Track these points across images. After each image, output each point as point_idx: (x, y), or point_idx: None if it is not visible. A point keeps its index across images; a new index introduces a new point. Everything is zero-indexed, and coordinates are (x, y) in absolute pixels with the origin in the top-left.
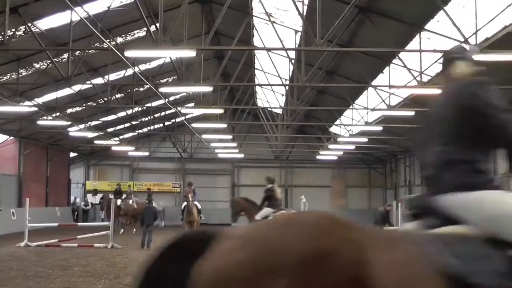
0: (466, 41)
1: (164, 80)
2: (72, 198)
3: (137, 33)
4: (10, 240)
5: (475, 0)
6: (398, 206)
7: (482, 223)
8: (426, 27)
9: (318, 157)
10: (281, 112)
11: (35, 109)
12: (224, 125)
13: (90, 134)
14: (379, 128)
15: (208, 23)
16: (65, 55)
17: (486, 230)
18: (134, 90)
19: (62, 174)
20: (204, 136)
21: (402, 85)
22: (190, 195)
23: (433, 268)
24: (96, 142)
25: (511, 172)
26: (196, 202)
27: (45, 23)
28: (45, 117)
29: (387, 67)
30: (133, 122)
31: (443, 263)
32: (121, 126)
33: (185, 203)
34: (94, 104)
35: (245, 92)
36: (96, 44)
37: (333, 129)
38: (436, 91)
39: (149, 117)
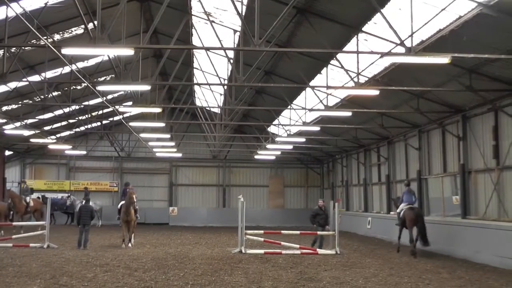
0: (402, 43)
1: (102, 79)
2: None
3: (75, 30)
4: None
5: (411, 3)
6: (335, 206)
7: None
8: (363, 28)
9: (256, 156)
10: (219, 112)
11: None
12: (162, 124)
13: (26, 132)
14: (316, 128)
15: (146, 21)
16: (0, 52)
17: None
18: (71, 88)
19: None
20: (142, 135)
21: (339, 86)
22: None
23: None
24: (32, 140)
25: (445, 172)
26: None
27: None
28: None
29: (324, 68)
30: (70, 121)
31: None
32: (58, 125)
33: (122, 202)
34: (30, 101)
35: (184, 91)
36: (32, 41)
37: (271, 129)
38: (373, 92)
39: (86, 116)
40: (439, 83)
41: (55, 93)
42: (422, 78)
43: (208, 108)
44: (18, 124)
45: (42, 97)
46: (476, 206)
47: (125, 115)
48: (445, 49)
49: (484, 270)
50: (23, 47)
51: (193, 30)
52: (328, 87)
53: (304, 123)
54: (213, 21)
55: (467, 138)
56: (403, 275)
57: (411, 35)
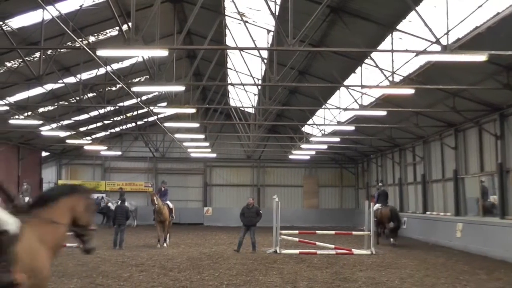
0: (437, 41)
1: (136, 80)
2: None
3: (109, 32)
4: None
5: (447, 1)
6: (370, 206)
7: None
8: (398, 27)
9: (291, 156)
10: (253, 112)
11: (7, 108)
12: (196, 125)
13: (62, 133)
14: (351, 128)
15: (180, 22)
16: (37, 54)
17: None
18: (106, 89)
19: (34, 174)
20: (177, 135)
21: (374, 85)
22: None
23: None
24: (68, 141)
25: (482, 171)
26: (168, 202)
27: (17, 22)
28: (16, 116)
29: (359, 67)
30: (105, 122)
31: None
32: (93, 125)
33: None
34: (66, 103)
35: (217, 91)
36: (68, 43)
37: (306, 128)
38: (408, 91)
39: (121, 117)
40: (476, 81)
41: (90, 95)
42: (458, 77)
43: (242, 108)
44: (54, 125)
45: (78, 98)
46: None
47: (159, 116)
48: (482, 47)
49: None
50: (58, 49)
51: (227, 31)
52: (362, 86)
53: (339, 123)
54: (246, 21)
55: (505, 137)
56: (440, 276)
57: (447, 33)
